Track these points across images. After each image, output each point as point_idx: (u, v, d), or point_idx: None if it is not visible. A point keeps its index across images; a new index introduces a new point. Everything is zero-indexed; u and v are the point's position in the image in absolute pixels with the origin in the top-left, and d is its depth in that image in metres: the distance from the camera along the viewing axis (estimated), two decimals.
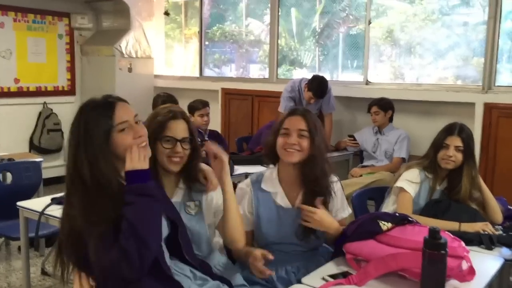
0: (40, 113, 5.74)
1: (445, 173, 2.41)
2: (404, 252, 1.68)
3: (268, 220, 1.96)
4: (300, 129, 1.92)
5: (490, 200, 2.34)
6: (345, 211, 2.06)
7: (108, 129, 1.48)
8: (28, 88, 5.65)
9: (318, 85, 4.35)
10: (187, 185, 1.87)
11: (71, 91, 6.07)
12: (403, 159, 4.09)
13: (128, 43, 5.89)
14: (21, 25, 5.53)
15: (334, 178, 2.02)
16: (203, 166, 1.89)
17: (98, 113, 1.49)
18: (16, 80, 5.56)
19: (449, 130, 2.40)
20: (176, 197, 1.85)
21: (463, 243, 1.73)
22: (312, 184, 1.93)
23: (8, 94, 5.48)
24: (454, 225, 2.15)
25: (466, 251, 1.69)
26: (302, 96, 4.49)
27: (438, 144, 2.40)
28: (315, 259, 1.96)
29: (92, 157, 1.45)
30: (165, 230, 1.61)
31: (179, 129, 1.83)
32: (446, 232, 1.81)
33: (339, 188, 2.04)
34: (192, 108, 4.10)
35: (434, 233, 1.47)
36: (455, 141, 2.35)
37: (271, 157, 2.02)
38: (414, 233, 1.79)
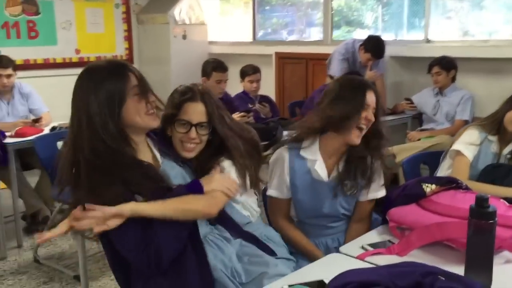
0: None
1: (510, 136, 2.18)
2: (452, 221, 1.55)
3: (303, 190, 1.86)
4: (374, 107, 1.82)
5: None
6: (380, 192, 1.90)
7: (123, 93, 1.44)
8: (88, 58, 5.78)
9: (376, 45, 4.15)
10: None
11: (129, 60, 6.14)
12: (466, 122, 3.82)
13: (181, 10, 5.85)
14: None
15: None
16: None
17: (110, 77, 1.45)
18: (77, 51, 5.71)
19: None
20: None
21: None
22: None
23: (70, 64, 5.63)
24: None
25: None
26: (356, 58, 4.30)
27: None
28: None
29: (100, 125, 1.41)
30: None
31: (196, 112, 1.71)
32: (502, 200, 1.67)
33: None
34: (243, 73, 4.04)
35: (481, 201, 1.33)
36: None
37: (336, 127, 1.80)
38: (464, 200, 1.64)
